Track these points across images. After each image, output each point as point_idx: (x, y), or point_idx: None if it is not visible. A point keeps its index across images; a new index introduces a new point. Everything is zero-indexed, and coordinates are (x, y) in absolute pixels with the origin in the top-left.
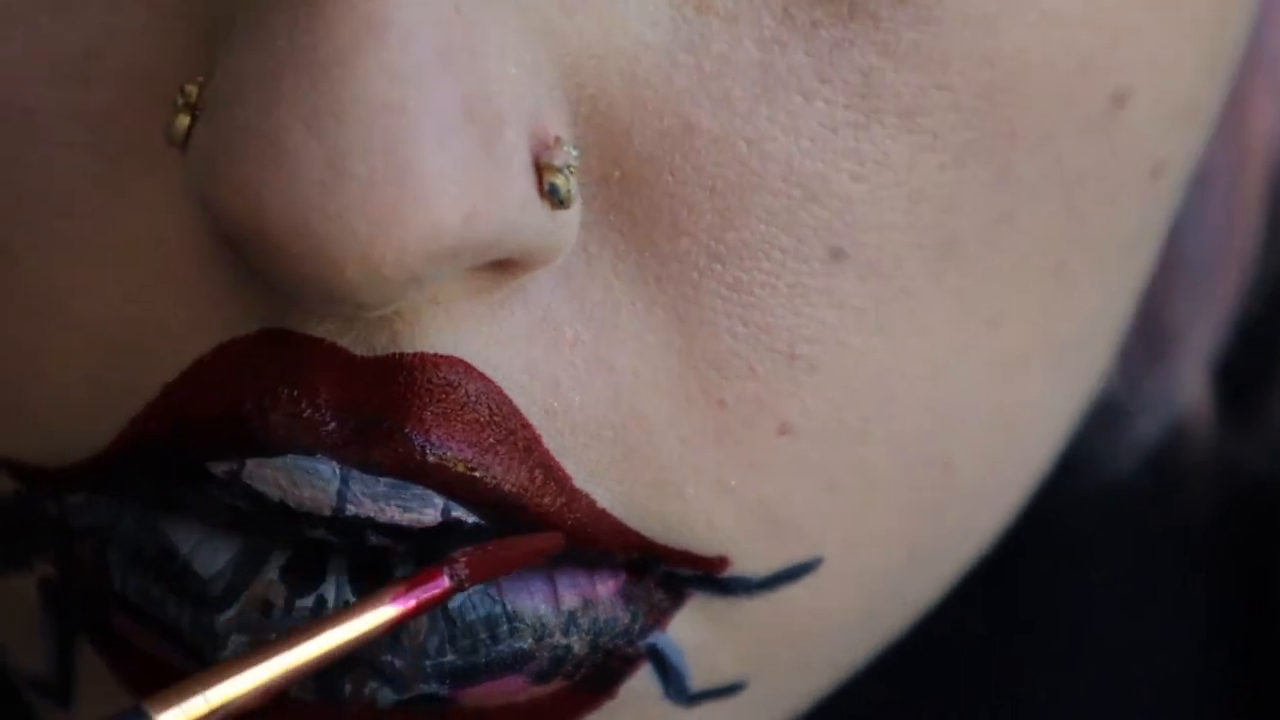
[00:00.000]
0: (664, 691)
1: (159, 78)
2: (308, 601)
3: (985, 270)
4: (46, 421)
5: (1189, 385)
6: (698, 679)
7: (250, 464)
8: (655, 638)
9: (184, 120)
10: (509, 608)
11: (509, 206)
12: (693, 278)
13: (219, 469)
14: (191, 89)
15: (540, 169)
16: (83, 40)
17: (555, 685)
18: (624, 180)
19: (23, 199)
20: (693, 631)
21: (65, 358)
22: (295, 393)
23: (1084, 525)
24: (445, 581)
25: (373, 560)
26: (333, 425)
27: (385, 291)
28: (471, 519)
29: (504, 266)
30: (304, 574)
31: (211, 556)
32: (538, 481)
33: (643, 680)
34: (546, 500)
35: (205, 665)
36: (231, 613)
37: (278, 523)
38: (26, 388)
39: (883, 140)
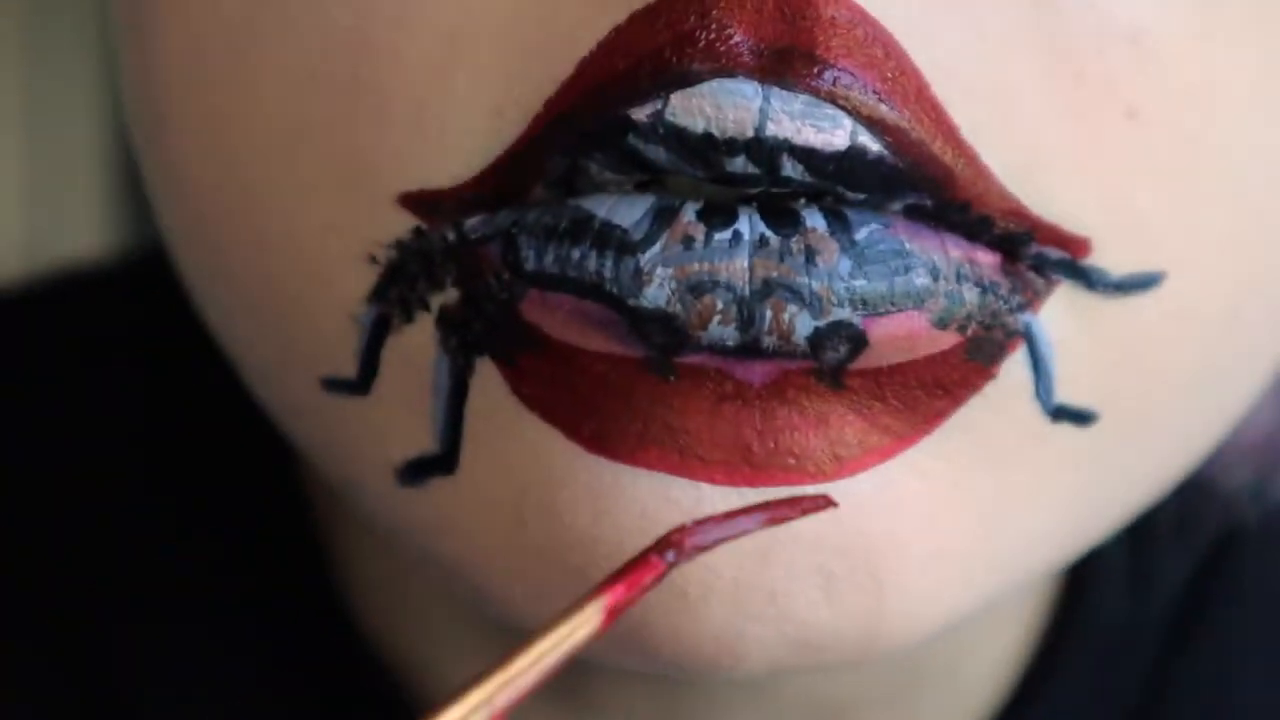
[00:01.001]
0: (1034, 389)
1: None
2: (725, 234)
3: None
4: (454, 136)
5: None
6: (1060, 386)
7: (674, 98)
8: (1029, 317)
9: None
10: (907, 246)
11: None
12: None
13: (641, 114)
14: None
15: None
16: None
17: (950, 337)
18: None
19: None
20: (1058, 326)
21: (478, 69)
22: (712, 34)
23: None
24: (660, 563)
25: (779, 206)
26: (749, 57)
27: None
28: (875, 146)
29: None
30: (718, 214)
31: (629, 210)
32: (930, 120)
33: (1018, 365)
34: (939, 142)
35: (627, 313)
36: (655, 248)
37: (694, 165)
38: (435, 109)
39: None
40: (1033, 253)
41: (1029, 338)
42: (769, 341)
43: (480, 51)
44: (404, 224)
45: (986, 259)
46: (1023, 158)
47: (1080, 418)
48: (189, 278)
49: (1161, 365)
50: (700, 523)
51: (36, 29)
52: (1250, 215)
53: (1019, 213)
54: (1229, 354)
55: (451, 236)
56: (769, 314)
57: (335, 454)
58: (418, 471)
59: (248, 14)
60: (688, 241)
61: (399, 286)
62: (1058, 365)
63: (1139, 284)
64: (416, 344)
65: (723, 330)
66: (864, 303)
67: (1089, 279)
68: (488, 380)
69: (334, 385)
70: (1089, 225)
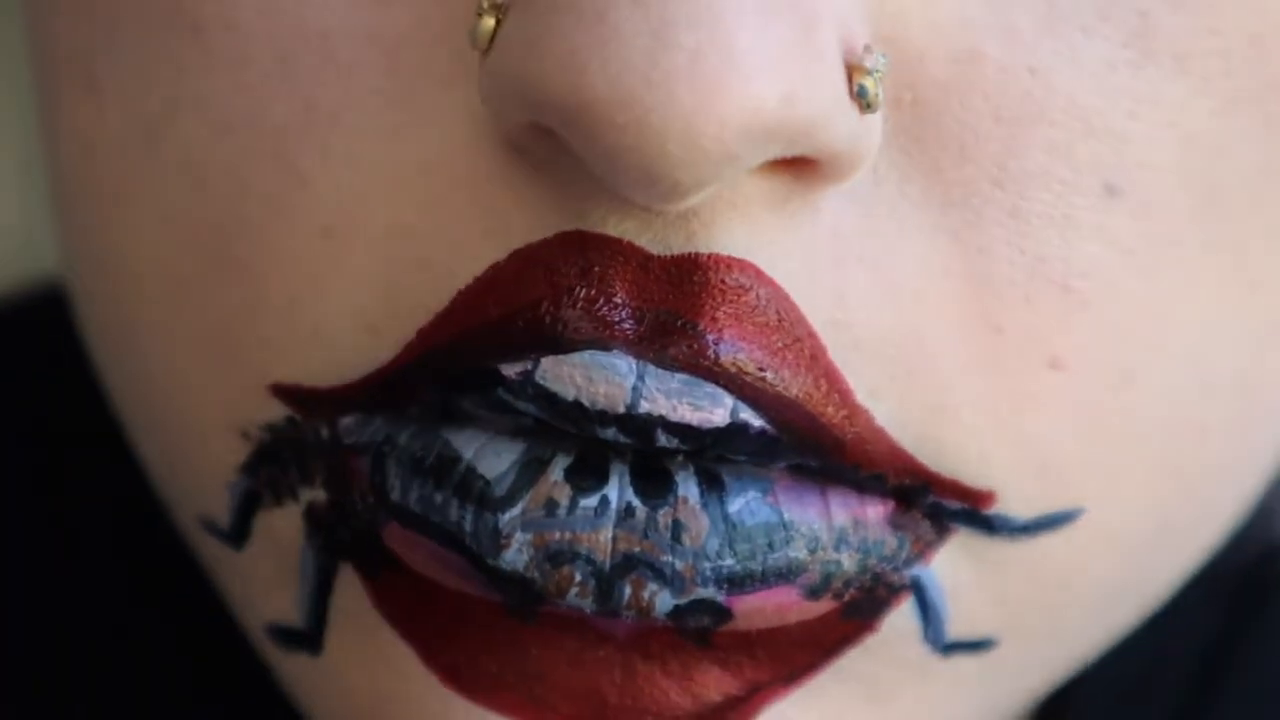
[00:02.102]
0: (923, 633)
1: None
2: (591, 501)
3: (1248, 226)
4: (328, 341)
5: None
6: (954, 625)
7: (545, 362)
8: (919, 570)
9: (489, 22)
10: (785, 516)
11: (823, 96)
12: (975, 204)
13: (511, 370)
14: None
15: (850, 70)
16: None
17: (825, 605)
18: (915, 104)
19: (315, 120)
20: (954, 571)
21: (354, 275)
22: (593, 290)
23: None
24: None
25: (653, 465)
26: (629, 323)
27: (702, 169)
28: (758, 422)
29: (802, 175)
30: (587, 475)
31: (495, 460)
32: (822, 390)
33: (904, 616)
34: (830, 410)
35: (484, 569)
36: (516, 511)
37: (565, 425)
38: (309, 308)
39: (1158, 81)
40: (928, 502)
41: (918, 589)
42: (627, 614)
43: (356, 256)
44: (277, 411)
45: (875, 513)
46: (926, 414)
47: (977, 646)
48: (98, 370)
49: (1077, 588)
50: None
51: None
52: (1183, 436)
53: (914, 469)
54: (1157, 563)
55: (325, 434)
56: (628, 590)
57: (215, 580)
58: (285, 639)
59: (128, 147)
60: (550, 506)
61: (269, 469)
62: (951, 608)
63: (1050, 524)
64: (284, 529)
65: (580, 601)
66: (729, 582)
67: (991, 526)
68: (351, 584)
69: (211, 529)
70: (996, 477)
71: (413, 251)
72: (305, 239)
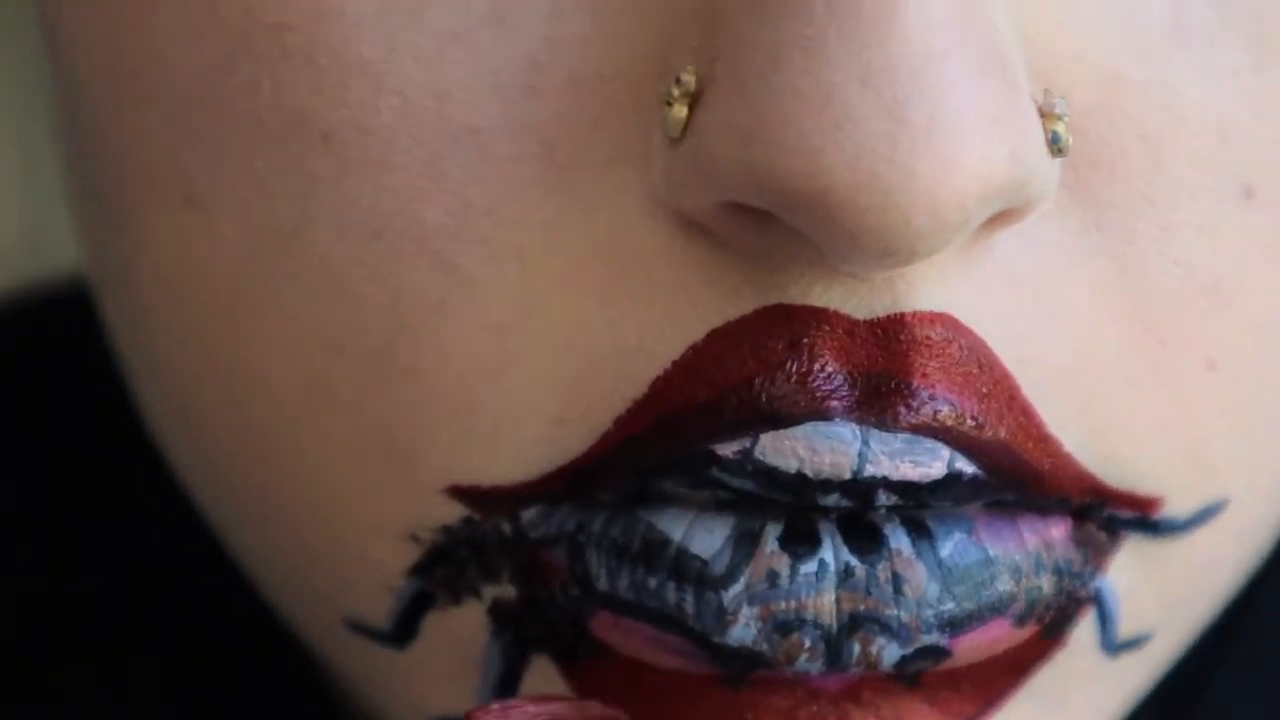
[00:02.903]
0: (1099, 640)
1: (606, 82)
2: (811, 567)
3: None
4: (510, 440)
5: None
6: (1124, 627)
7: (765, 439)
8: (1099, 581)
9: (681, 110)
10: (990, 552)
11: (1036, 148)
12: (1129, 222)
13: (728, 450)
14: (689, 78)
15: (1043, 116)
16: (526, 54)
17: (1029, 629)
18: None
19: (472, 217)
20: (1125, 577)
21: (534, 370)
22: (804, 364)
23: None
24: None
25: (859, 521)
26: (844, 390)
27: (942, 236)
28: (971, 469)
29: (988, 222)
30: (800, 542)
31: (707, 538)
32: (1023, 428)
33: (1086, 627)
34: (1030, 446)
35: (711, 648)
36: (739, 586)
37: (783, 496)
38: (489, 408)
39: (1276, 81)
40: (1104, 515)
41: (1098, 599)
42: (855, 670)
43: (535, 350)
44: (452, 512)
45: (1059, 532)
46: (1103, 434)
47: (1138, 643)
48: (174, 464)
49: (1218, 574)
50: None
51: (36, 28)
52: None
53: (1095, 488)
54: (1267, 540)
55: (507, 530)
56: (857, 648)
57: (357, 682)
58: None
59: (253, 260)
60: (772, 577)
61: (445, 569)
62: (1123, 612)
63: (1203, 518)
64: (464, 627)
65: (809, 665)
66: (951, 625)
67: (1157, 528)
68: (544, 672)
69: (362, 629)
70: (1163, 482)
71: (596, 340)
72: (477, 339)
